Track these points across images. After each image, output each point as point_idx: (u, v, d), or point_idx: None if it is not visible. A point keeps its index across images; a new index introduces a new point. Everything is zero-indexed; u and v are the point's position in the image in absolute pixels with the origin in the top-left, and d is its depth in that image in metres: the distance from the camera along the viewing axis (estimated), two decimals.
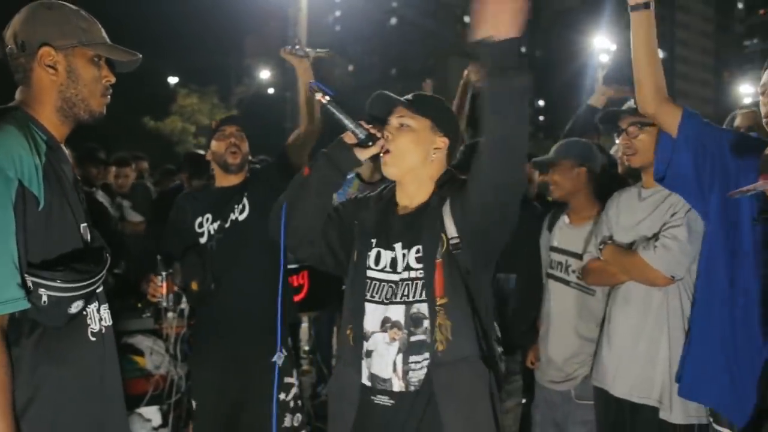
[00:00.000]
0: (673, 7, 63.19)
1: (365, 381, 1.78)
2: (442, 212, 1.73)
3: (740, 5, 69.57)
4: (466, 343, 1.69)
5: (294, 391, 2.84)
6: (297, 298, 3.93)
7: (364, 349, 1.78)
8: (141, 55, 1.72)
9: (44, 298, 1.47)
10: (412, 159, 1.76)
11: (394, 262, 1.78)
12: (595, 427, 2.56)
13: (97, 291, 1.66)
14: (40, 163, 1.50)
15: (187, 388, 3.63)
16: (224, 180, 2.89)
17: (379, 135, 1.77)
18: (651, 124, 2.26)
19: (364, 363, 1.78)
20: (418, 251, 1.75)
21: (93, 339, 1.63)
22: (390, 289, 1.77)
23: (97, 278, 1.59)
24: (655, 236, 2.29)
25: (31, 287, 1.46)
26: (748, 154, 1.93)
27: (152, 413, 3.51)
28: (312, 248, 1.89)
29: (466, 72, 3.18)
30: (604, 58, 25.10)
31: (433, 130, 1.78)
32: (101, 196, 4.64)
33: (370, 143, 1.76)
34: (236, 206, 2.81)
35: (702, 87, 67.03)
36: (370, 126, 1.77)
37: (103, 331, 1.67)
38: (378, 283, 1.78)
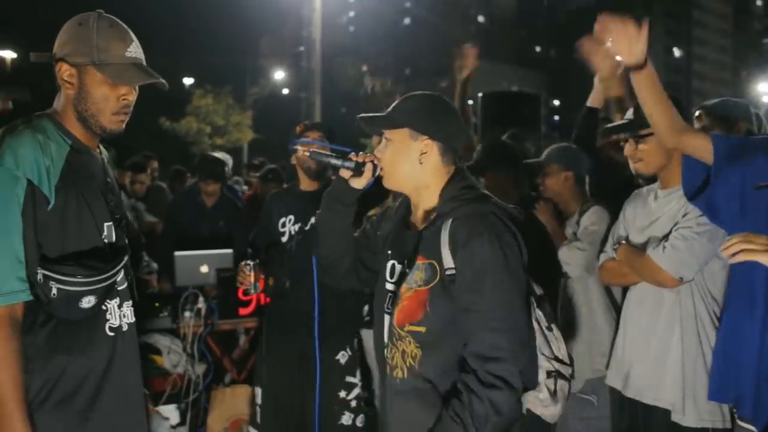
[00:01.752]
0: (690, 5, 62.57)
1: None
2: (439, 236, 1.68)
3: (758, 2, 68.77)
4: (431, 374, 1.65)
5: (356, 391, 2.92)
6: None
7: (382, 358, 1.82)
8: (161, 79, 1.72)
9: (54, 291, 1.56)
10: (400, 169, 1.76)
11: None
12: (609, 427, 2.56)
13: (119, 288, 1.72)
14: (54, 164, 1.59)
15: (205, 386, 3.67)
16: (308, 184, 2.99)
17: (367, 160, 1.80)
18: (648, 134, 2.27)
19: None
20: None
21: (111, 334, 1.70)
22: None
23: (108, 275, 1.65)
24: (666, 237, 2.28)
25: (42, 280, 1.56)
26: None
27: (170, 411, 3.55)
28: (348, 279, 1.97)
29: (457, 67, 3.12)
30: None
31: (412, 137, 1.74)
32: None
33: (363, 169, 1.81)
34: (317, 210, 2.87)
35: (720, 86, 66.34)
36: (360, 154, 1.83)
37: (124, 327, 1.73)
38: (393, 295, 1.78)
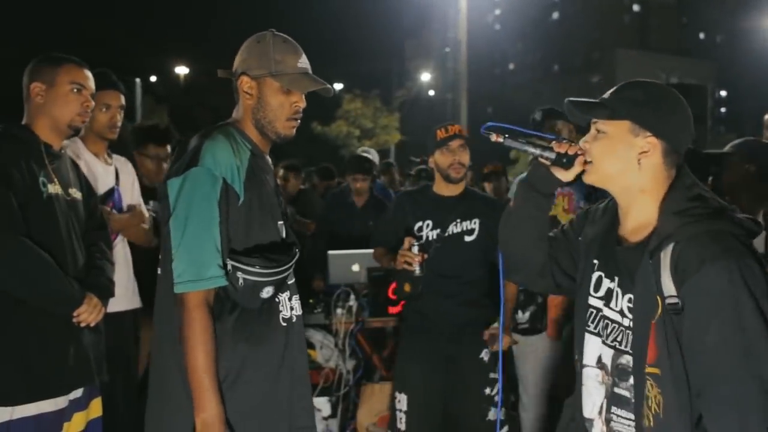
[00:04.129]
0: None
1: (581, 413, 1.66)
2: (660, 260, 1.43)
3: None
4: (679, 425, 1.40)
5: (497, 386, 2.96)
6: None
7: (581, 381, 1.65)
8: (329, 85, 1.90)
9: (241, 281, 1.74)
10: (610, 167, 1.55)
11: (609, 294, 1.58)
12: None
13: (289, 282, 1.89)
14: (242, 165, 1.78)
15: (355, 381, 3.80)
16: (445, 188, 3.02)
17: (572, 151, 1.60)
18: None
19: (582, 394, 1.65)
20: (630, 300, 1.52)
21: (284, 324, 1.85)
22: (604, 322, 1.58)
23: (285, 267, 1.81)
24: None
25: (231, 270, 1.73)
26: None
27: (322, 404, 3.72)
28: (544, 280, 1.77)
29: None
30: None
31: (633, 132, 1.52)
32: None
33: (565, 160, 1.61)
34: (458, 219, 2.97)
35: None
36: (563, 143, 1.62)
37: (294, 319, 1.90)
38: (595, 312, 1.61)
